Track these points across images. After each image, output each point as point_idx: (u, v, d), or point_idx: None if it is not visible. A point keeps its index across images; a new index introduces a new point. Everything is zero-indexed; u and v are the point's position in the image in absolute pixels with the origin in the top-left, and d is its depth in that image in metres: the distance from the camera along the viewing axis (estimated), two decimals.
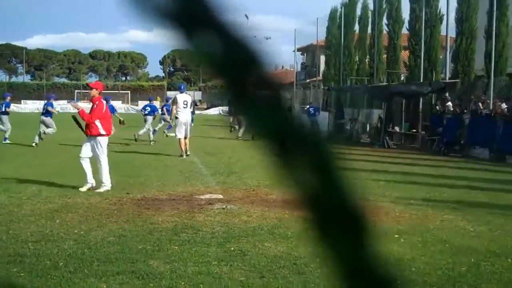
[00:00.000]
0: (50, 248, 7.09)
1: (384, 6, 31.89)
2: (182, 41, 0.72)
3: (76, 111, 12.15)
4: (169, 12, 0.71)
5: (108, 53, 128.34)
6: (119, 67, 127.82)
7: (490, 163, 18.30)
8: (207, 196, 10.96)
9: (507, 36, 23.04)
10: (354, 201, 0.78)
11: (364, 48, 35.28)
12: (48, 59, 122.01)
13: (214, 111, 66.16)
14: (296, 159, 0.75)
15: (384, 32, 32.20)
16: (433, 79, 26.37)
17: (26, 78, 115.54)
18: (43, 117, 22.74)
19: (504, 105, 20.11)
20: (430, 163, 17.91)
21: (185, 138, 18.35)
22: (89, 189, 11.38)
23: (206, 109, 72.00)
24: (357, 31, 36.43)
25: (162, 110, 26.16)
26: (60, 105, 70.75)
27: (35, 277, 5.98)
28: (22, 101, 74.64)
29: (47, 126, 22.64)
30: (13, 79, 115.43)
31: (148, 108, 25.20)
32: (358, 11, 35.97)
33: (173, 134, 24.13)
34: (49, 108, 23.02)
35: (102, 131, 11.72)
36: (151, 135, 24.13)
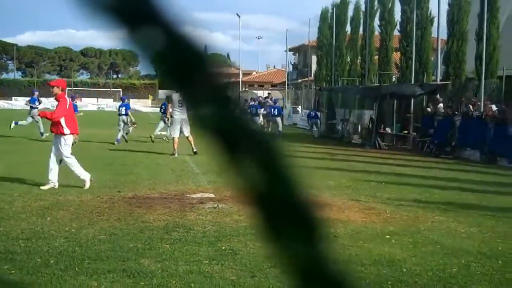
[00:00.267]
0: (41, 246, 7.07)
1: (376, 8, 31.99)
2: (126, 38, 0.71)
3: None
4: (111, 7, 0.70)
5: (99, 51, 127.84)
6: (110, 65, 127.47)
7: (481, 165, 18.37)
8: (199, 195, 10.94)
9: (497, 39, 23.14)
10: (303, 199, 0.77)
11: (355, 49, 35.34)
12: (39, 56, 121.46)
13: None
14: (242, 157, 0.75)
15: (376, 33, 32.28)
16: (424, 81, 26.46)
17: (17, 75, 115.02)
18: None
19: (494, 107, 20.20)
20: (421, 165, 17.96)
21: (187, 136, 18.32)
22: (52, 188, 11.25)
23: None
24: (348, 32, 36.50)
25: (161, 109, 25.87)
26: (51, 102, 70.64)
27: (26, 275, 5.96)
28: (13, 98, 74.37)
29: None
30: (4, 76, 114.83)
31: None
32: (350, 12, 36.07)
33: (164, 133, 24.18)
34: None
35: (66, 130, 11.47)
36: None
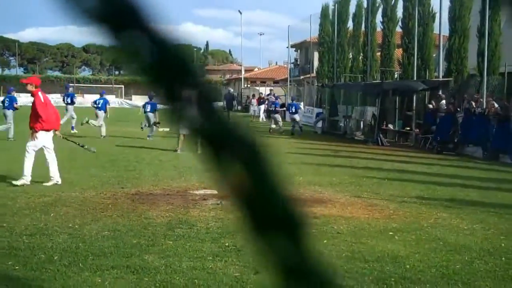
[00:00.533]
0: (45, 242, 7.09)
1: (378, 4, 31.96)
2: (110, 40, 0.72)
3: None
4: (96, 11, 0.71)
5: (101, 47, 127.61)
6: (112, 61, 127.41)
7: (484, 162, 18.37)
8: (202, 191, 10.96)
9: (499, 35, 23.12)
10: (286, 197, 0.78)
11: (357, 45, 35.32)
12: (41, 52, 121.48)
13: None
14: (225, 156, 0.76)
15: (378, 29, 32.24)
16: (427, 77, 26.45)
17: (19, 71, 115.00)
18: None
19: (496, 104, 20.18)
20: (423, 161, 17.95)
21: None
22: (55, 184, 11.28)
23: None
24: (350, 28, 36.46)
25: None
26: (54, 99, 70.63)
27: (29, 271, 5.98)
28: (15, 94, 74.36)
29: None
30: (6, 72, 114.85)
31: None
32: (352, 9, 36.02)
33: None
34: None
35: (39, 126, 11.35)
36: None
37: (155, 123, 23.06)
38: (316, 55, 44.08)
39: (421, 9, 27.00)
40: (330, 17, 38.75)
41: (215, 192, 10.89)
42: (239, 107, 57.60)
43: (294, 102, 31.85)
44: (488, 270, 6.44)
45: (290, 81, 51.93)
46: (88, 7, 0.71)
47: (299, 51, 63.91)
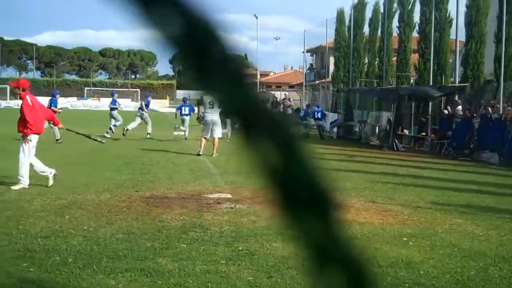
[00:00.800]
0: (60, 244, 7.13)
1: (394, 9, 31.91)
2: (141, 18, 0.72)
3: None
4: None
5: (118, 51, 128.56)
6: (129, 65, 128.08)
7: (500, 168, 18.24)
8: (216, 195, 10.97)
9: None
10: (319, 179, 0.78)
11: (373, 50, 35.27)
12: (58, 56, 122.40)
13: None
14: (259, 136, 0.75)
15: (395, 34, 32.18)
16: (443, 83, 26.34)
17: (36, 75, 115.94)
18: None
19: None
20: (439, 167, 17.85)
21: (214, 139, 18.43)
22: (51, 183, 11.27)
23: None
24: (366, 33, 36.42)
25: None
26: (70, 102, 71.19)
27: (44, 273, 6.01)
28: None
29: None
30: (23, 75, 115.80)
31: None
32: (368, 13, 35.99)
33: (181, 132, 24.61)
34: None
35: (29, 130, 11.19)
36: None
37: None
38: (331, 60, 44.10)
39: (437, 14, 26.91)
40: (346, 22, 38.76)
41: (229, 196, 10.92)
42: None
43: (320, 108, 32.39)
44: (503, 277, 6.40)
45: (305, 86, 51.93)
46: None
47: (314, 55, 63.94)
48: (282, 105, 35.10)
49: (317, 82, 55.29)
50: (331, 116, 34.77)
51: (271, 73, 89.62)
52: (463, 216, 9.76)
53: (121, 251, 6.85)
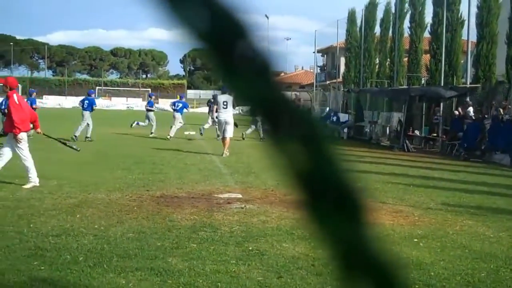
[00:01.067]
0: (70, 243, 7.16)
1: (406, 10, 31.80)
2: (169, 13, 0.72)
3: None
4: None
5: (129, 51, 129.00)
6: (140, 65, 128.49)
7: (511, 169, 18.15)
8: (226, 195, 10.98)
9: None
10: (347, 178, 0.77)
11: (384, 50, 35.15)
12: (69, 55, 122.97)
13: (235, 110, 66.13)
14: (285, 129, 0.74)
15: (406, 35, 32.06)
16: (454, 84, 26.23)
17: (48, 74, 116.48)
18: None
19: None
20: (450, 168, 17.79)
21: (225, 138, 18.48)
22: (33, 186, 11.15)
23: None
24: (377, 34, 36.31)
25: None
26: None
27: (55, 271, 6.04)
28: (44, 96, 75.32)
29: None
30: (35, 74, 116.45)
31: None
32: (379, 14, 35.88)
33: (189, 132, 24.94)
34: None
35: (17, 129, 11.09)
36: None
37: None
38: (342, 60, 43.99)
39: (449, 15, 26.79)
40: (357, 22, 38.66)
41: (239, 196, 10.93)
42: None
43: (337, 112, 32.71)
44: None
45: (316, 86, 51.86)
46: None
47: (325, 56, 63.81)
48: None
49: (327, 82, 55.17)
50: (342, 117, 34.75)
51: (282, 73, 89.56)
52: (474, 217, 9.72)
53: (131, 250, 6.88)
